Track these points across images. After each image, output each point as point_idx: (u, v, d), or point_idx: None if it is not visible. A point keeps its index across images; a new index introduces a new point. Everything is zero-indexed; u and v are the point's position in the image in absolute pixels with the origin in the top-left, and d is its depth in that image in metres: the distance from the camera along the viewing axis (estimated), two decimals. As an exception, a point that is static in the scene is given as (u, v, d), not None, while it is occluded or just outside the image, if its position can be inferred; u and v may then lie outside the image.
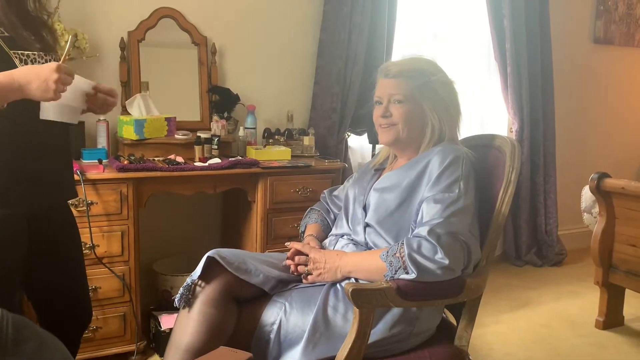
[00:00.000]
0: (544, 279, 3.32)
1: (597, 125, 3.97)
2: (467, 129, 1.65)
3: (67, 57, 1.28)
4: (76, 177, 1.97)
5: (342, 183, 1.92)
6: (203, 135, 2.37)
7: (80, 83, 1.28)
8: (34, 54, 1.30)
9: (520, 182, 3.43)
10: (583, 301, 2.95)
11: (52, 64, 1.17)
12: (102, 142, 2.33)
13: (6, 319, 0.74)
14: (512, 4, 3.24)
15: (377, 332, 1.38)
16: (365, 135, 3.00)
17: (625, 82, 4.03)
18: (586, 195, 2.75)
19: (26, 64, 1.26)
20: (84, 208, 2.00)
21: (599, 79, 3.92)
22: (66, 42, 2.17)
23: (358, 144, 3.12)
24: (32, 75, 1.16)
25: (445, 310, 1.62)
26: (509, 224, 3.51)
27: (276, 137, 2.70)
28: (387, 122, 1.53)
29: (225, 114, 2.58)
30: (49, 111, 1.25)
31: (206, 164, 2.25)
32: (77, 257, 1.52)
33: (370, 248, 1.50)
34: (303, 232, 1.74)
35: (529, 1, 3.34)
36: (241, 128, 2.60)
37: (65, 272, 1.47)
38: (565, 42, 3.66)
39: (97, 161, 2.18)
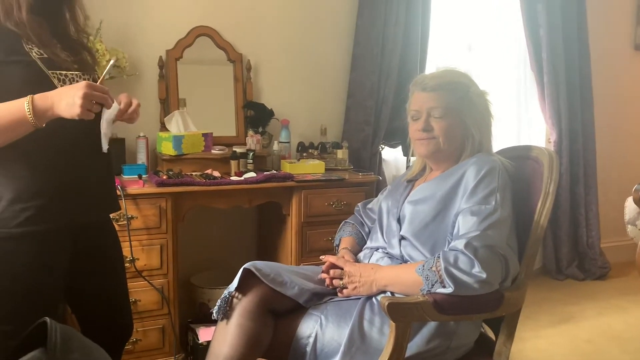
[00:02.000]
0: (587, 293, 3.22)
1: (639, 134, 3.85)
2: (503, 140, 1.64)
3: (105, 77, 1.33)
4: (117, 192, 2.04)
5: (376, 196, 1.92)
6: (238, 150, 2.41)
7: (110, 113, 1.31)
8: (73, 74, 1.33)
9: (559, 194, 3.36)
10: (629, 316, 2.85)
11: (83, 82, 1.21)
12: (141, 158, 2.40)
13: (55, 329, 0.77)
14: (548, 14, 3.20)
15: (414, 346, 1.37)
16: (399, 147, 2.99)
17: (669, 89, 3.91)
18: (630, 206, 2.67)
19: (64, 83, 1.30)
20: (125, 222, 2.06)
21: (640, 86, 3.81)
22: (108, 61, 2.26)
23: (392, 157, 3.12)
24: (63, 92, 1.20)
25: (484, 324, 1.60)
26: (549, 236, 3.43)
27: (310, 150, 2.72)
28: (428, 136, 1.53)
29: (260, 129, 2.63)
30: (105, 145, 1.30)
31: (242, 178, 2.29)
32: (120, 270, 1.56)
33: (405, 261, 1.49)
34: (337, 245, 1.75)
35: (566, 9, 3.29)
36: (275, 142, 2.63)
37: (108, 284, 1.51)
38: (605, 50, 3.58)
39: (137, 176, 2.24)
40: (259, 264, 1.46)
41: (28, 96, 1.19)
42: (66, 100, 1.18)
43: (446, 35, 3.18)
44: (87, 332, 1.48)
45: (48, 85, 1.25)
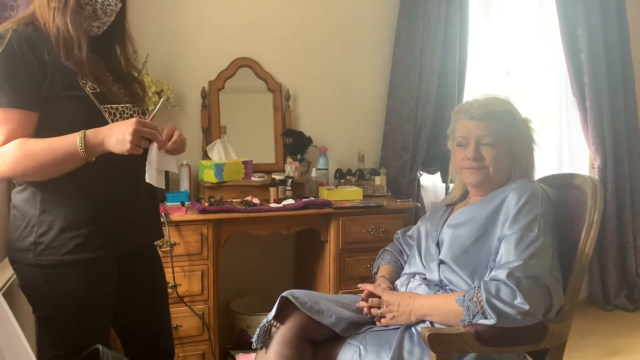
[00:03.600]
0: (637, 325, 3.08)
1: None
2: (545, 167, 1.63)
3: (155, 114, 1.38)
4: (161, 219, 2.10)
5: (415, 223, 1.91)
6: (277, 177, 2.45)
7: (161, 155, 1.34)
8: (123, 107, 1.38)
9: (605, 221, 3.25)
10: (683, 350, 2.71)
11: (133, 119, 1.25)
12: (184, 186, 2.46)
13: (107, 356, 0.79)
14: (589, 37, 3.15)
15: (455, 378, 1.34)
16: (438, 173, 2.97)
17: None
18: (681, 234, 2.56)
19: (115, 116, 1.35)
20: (168, 248, 2.11)
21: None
22: (154, 93, 2.35)
23: (430, 183, 3.10)
24: (114, 128, 1.25)
25: (527, 356, 1.55)
26: (595, 265, 3.31)
27: (348, 177, 2.74)
28: (478, 165, 1.52)
29: (299, 156, 2.66)
30: (151, 176, 1.32)
31: (280, 205, 2.32)
32: (163, 296, 1.59)
33: (444, 286, 1.48)
34: (376, 274, 1.74)
35: (608, 33, 3.23)
36: (314, 169, 2.66)
37: (152, 309, 1.52)
38: (650, 73, 3.49)
39: (179, 203, 2.30)
40: (297, 292, 1.48)
41: (81, 131, 1.24)
42: (116, 136, 1.23)
43: (484, 59, 3.17)
44: (130, 357, 1.51)
45: (99, 119, 1.31)
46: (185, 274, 2.18)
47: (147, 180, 1.32)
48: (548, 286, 1.33)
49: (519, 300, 1.28)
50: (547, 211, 1.43)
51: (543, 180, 1.62)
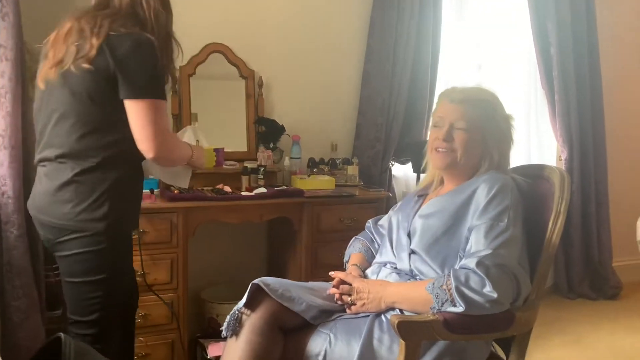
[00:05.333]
0: (599, 313, 3.18)
1: (652, 152, 3.82)
2: (513, 158, 1.64)
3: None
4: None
5: (386, 212, 1.91)
6: (250, 165, 2.43)
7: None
8: None
9: (571, 212, 3.32)
10: (642, 337, 2.81)
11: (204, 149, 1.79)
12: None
13: (69, 344, 0.77)
14: (558, 32, 3.20)
15: (424, 365, 1.35)
16: (409, 164, 2.99)
17: (681, 108, 3.88)
18: (642, 225, 2.64)
19: None
20: (137, 236, 2.07)
21: (652, 105, 3.78)
22: None
23: (402, 173, 3.11)
24: (200, 151, 1.72)
25: (494, 344, 1.58)
26: (561, 255, 3.39)
27: (320, 166, 2.73)
28: (447, 146, 1.52)
29: (271, 145, 2.64)
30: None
31: (252, 194, 2.29)
32: None
33: (415, 275, 1.49)
34: (347, 262, 1.74)
35: (576, 27, 3.29)
36: (286, 158, 2.65)
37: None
38: (616, 68, 3.56)
39: (149, 191, 2.25)
40: (268, 279, 1.46)
41: (192, 145, 1.71)
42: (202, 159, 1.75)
43: (456, 54, 3.20)
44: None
45: None
46: (154, 263, 2.14)
47: (184, 185, 1.81)
48: (516, 275, 1.35)
49: (487, 289, 1.29)
50: (516, 202, 1.44)
51: (513, 170, 1.63)
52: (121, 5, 1.49)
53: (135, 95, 1.42)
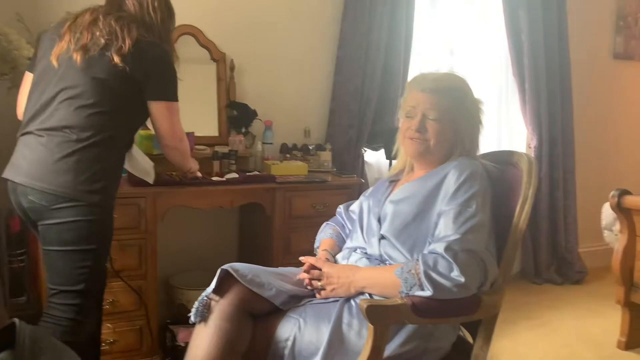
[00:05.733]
0: (564, 298, 3.26)
1: (617, 141, 3.91)
2: (484, 145, 1.65)
3: None
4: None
5: (358, 198, 1.91)
6: (221, 150, 2.40)
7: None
8: None
9: (539, 199, 3.39)
10: (605, 321, 2.88)
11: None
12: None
13: (24, 330, 0.75)
14: (529, 21, 3.23)
15: (391, 348, 1.36)
16: (382, 150, 2.99)
17: (646, 97, 3.98)
18: (607, 212, 2.71)
19: None
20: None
21: (619, 94, 3.87)
22: None
23: (374, 159, 3.12)
24: None
25: (462, 327, 1.60)
26: (528, 241, 3.46)
27: (293, 152, 2.71)
28: (419, 136, 1.52)
29: (243, 129, 2.61)
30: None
31: (223, 179, 2.27)
32: None
33: (384, 260, 1.49)
34: (317, 247, 1.74)
35: (547, 17, 3.33)
36: (259, 143, 2.62)
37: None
38: (585, 58, 3.63)
39: (116, 175, 2.20)
40: (237, 265, 1.45)
41: None
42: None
43: (429, 39, 3.20)
44: None
45: None
46: (122, 248, 2.10)
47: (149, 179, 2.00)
48: (484, 260, 1.36)
49: (455, 273, 1.31)
50: (485, 188, 1.46)
51: (483, 156, 1.64)
52: (135, 11, 1.68)
53: (165, 97, 1.70)
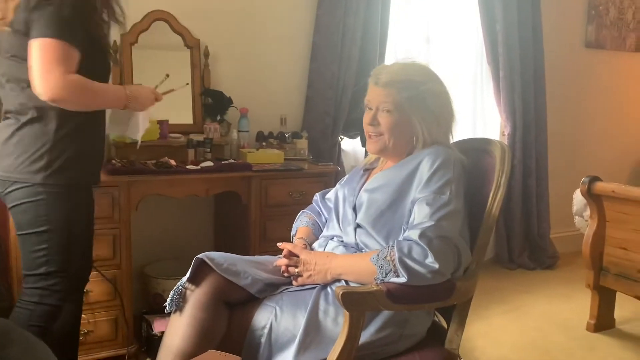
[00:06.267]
0: (537, 282, 3.33)
1: (589, 128, 3.99)
2: (459, 132, 1.66)
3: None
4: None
5: (334, 186, 1.92)
6: (195, 138, 2.37)
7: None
8: None
9: (512, 186, 3.45)
10: (575, 304, 2.96)
11: (151, 88, 1.76)
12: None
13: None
14: (504, 9, 3.26)
15: (367, 334, 1.38)
16: (358, 138, 3.00)
17: (616, 86, 4.05)
18: (577, 198, 2.77)
19: None
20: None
21: (591, 83, 3.94)
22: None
23: (351, 147, 3.13)
24: (141, 91, 1.69)
25: (437, 313, 1.62)
26: (502, 227, 3.52)
27: (269, 140, 2.70)
28: (374, 130, 1.54)
29: (219, 117, 2.59)
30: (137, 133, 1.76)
31: (198, 167, 2.25)
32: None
33: (360, 249, 1.50)
34: (294, 235, 1.74)
35: (521, 6, 3.36)
36: (234, 131, 2.60)
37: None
38: (558, 47, 3.68)
39: (89, 164, 2.16)
40: (213, 254, 1.44)
41: (125, 86, 1.73)
42: (141, 99, 1.68)
43: (405, 26, 3.20)
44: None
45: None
46: (96, 238, 2.05)
47: (135, 136, 1.76)
48: (457, 246, 1.38)
49: (429, 260, 1.32)
50: (459, 175, 1.47)
51: (458, 143, 1.66)
52: None
53: (35, 34, 1.41)
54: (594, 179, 2.54)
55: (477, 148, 1.62)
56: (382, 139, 1.53)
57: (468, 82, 3.44)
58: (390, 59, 3.00)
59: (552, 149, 3.65)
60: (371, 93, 1.56)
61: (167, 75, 1.88)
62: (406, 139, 1.54)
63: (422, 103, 1.51)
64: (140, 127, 1.73)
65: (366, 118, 1.56)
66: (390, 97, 1.51)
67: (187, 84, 1.75)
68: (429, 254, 1.32)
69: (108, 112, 1.71)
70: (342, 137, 3.02)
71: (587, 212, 2.67)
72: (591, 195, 2.55)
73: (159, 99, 1.76)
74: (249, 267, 1.47)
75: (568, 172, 3.75)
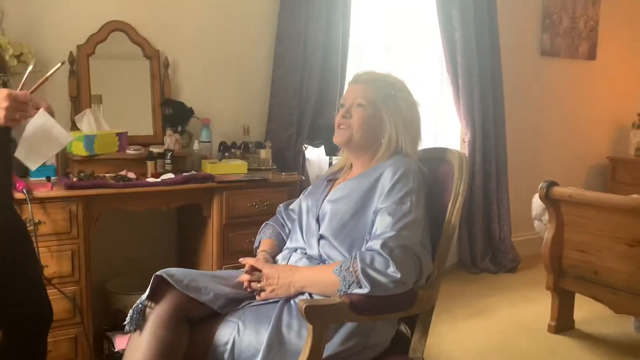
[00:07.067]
0: (499, 286, 3.39)
1: (546, 134, 4.10)
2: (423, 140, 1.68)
3: (24, 83, 1.35)
4: (22, 195, 1.92)
5: (299, 196, 1.91)
6: (156, 150, 2.33)
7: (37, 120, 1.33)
8: None
9: (473, 191, 3.51)
10: (537, 306, 3.03)
11: (5, 90, 1.25)
12: (51, 159, 2.25)
13: None
14: (462, 18, 3.33)
15: (332, 346, 1.37)
16: (322, 147, 3.00)
17: (571, 91, 4.19)
18: (536, 203, 2.83)
19: None
20: (32, 228, 1.93)
21: (547, 89, 4.05)
22: (13, 56, 2.11)
23: (315, 156, 3.13)
24: None
25: (401, 322, 1.63)
26: (464, 232, 3.57)
27: (232, 150, 2.68)
28: (345, 122, 1.56)
29: (179, 128, 2.55)
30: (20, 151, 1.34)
31: (159, 180, 2.21)
32: (36, 262, 1.64)
33: (324, 261, 1.50)
34: (257, 248, 1.73)
35: (478, 15, 3.43)
36: (196, 142, 2.56)
37: (24, 277, 1.57)
38: (514, 54, 3.78)
39: (45, 179, 2.10)
40: (173, 270, 1.42)
41: None
42: None
43: (366, 36, 3.24)
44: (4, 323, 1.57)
45: None
46: (53, 255, 2.01)
47: (18, 155, 1.34)
48: (418, 255, 1.39)
49: (391, 269, 1.33)
50: (419, 185, 1.49)
51: (419, 152, 1.68)
52: None
53: None
54: (552, 184, 2.61)
55: (436, 157, 1.64)
56: (349, 130, 1.55)
57: (429, 90, 3.49)
58: (352, 67, 3.02)
59: (512, 154, 3.74)
60: (348, 92, 1.61)
61: (63, 63, 1.59)
62: (374, 136, 1.56)
63: (395, 106, 1.56)
64: (35, 154, 1.37)
65: (340, 112, 1.59)
66: (366, 93, 1.55)
67: (62, 63, 1.50)
68: (391, 263, 1.33)
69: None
70: (307, 145, 3.02)
71: (546, 216, 2.74)
72: (549, 200, 2.62)
73: (24, 100, 1.30)
74: (210, 283, 1.45)
75: (528, 177, 3.84)
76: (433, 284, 1.47)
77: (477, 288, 3.33)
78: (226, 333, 1.38)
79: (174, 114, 2.56)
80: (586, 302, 2.71)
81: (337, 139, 1.59)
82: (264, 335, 1.35)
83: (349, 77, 2.74)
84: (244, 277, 1.51)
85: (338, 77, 2.95)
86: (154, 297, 1.39)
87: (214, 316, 1.43)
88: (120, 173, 2.21)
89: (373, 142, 1.57)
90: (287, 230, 1.75)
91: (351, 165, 1.67)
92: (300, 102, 2.89)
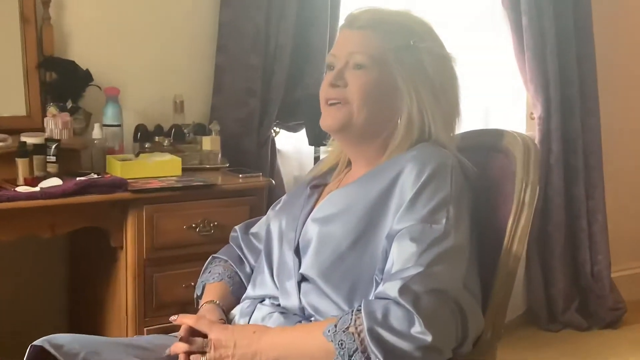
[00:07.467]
0: (594, 349, 3.42)
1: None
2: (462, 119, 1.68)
3: None
4: None
5: (266, 212, 1.93)
6: (31, 140, 2.34)
7: None
8: None
9: (549, 198, 3.51)
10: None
11: None
12: None
13: None
14: None
15: None
16: (304, 130, 3.01)
17: None
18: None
19: None
20: None
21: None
22: None
23: (292, 147, 3.15)
24: None
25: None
26: (535, 265, 3.59)
27: (157, 139, 2.69)
28: (337, 94, 1.55)
29: (69, 104, 2.56)
30: None
31: (37, 189, 2.22)
32: None
33: (308, 317, 1.51)
34: (200, 297, 1.74)
35: None
36: (96, 126, 2.57)
37: None
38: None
39: None
40: (60, 337, 1.43)
41: None
42: None
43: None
44: None
45: None
46: None
47: None
48: (461, 304, 1.40)
49: (417, 329, 1.33)
50: (460, 192, 1.49)
51: (457, 139, 1.69)
52: None
53: None
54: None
55: (486, 146, 1.66)
56: (346, 108, 1.54)
57: (475, 36, 3.51)
58: (346, 10, 3.02)
59: (610, 139, 3.75)
60: (341, 41, 1.59)
61: None
62: (386, 114, 1.56)
63: (418, 63, 1.54)
64: None
65: (327, 78, 1.57)
66: (367, 44, 1.54)
67: None
68: (417, 319, 1.34)
69: None
70: (277, 129, 3.04)
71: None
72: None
73: None
74: (124, 356, 1.46)
75: (635, 177, 3.86)
76: (485, 349, 1.49)
77: (557, 354, 3.35)
78: None
79: (60, 80, 2.58)
80: None
81: (326, 121, 1.58)
82: None
83: (342, 18, 2.75)
84: (178, 347, 1.51)
85: (327, 17, 2.96)
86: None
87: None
88: (-28, 179, 2.22)
89: (384, 124, 1.57)
90: (247, 269, 1.76)
91: (349, 162, 1.68)
92: (266, 59, 2.91)
